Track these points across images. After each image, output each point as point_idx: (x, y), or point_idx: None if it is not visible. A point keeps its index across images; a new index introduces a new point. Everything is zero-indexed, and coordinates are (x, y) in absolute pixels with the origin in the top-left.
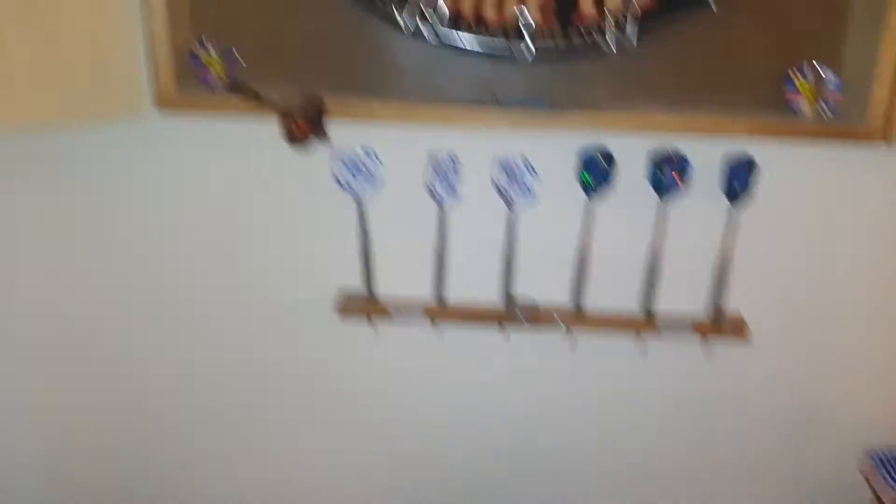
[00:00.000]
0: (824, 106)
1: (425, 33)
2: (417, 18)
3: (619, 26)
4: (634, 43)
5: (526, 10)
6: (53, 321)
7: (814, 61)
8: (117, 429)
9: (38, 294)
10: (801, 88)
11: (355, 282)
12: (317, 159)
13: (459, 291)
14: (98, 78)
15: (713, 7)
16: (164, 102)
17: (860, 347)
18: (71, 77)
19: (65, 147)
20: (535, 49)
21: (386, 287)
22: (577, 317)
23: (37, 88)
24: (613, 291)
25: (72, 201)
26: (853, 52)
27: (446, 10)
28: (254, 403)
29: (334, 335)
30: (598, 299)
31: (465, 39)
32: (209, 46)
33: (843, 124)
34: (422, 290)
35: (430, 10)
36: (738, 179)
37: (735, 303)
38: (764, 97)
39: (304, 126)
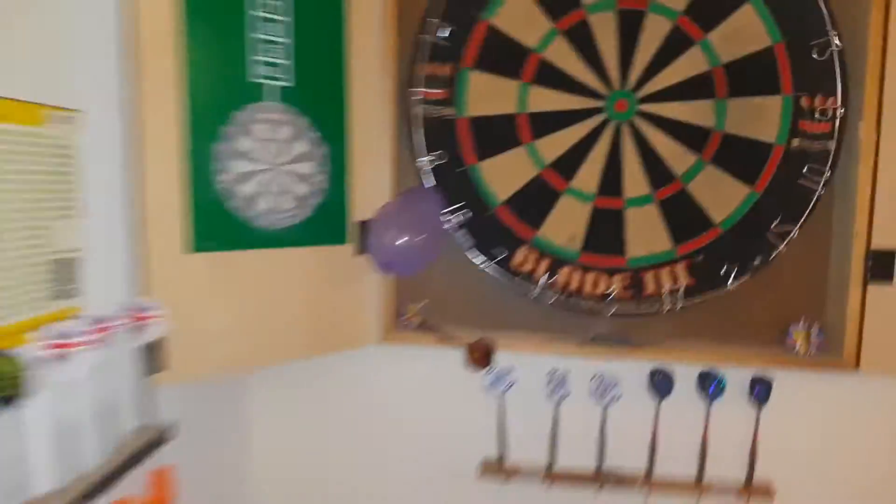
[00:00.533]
0: (813, 347)
1: (546, 299)
2: (539, 289)
3: (672, 295)
4: (681, 305)
5: (613, 288)
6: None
7: (803, 318)
8: None
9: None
10: (796, 336)
11: (492, 452)
12: (477, 374)
13: (565, 461)
14: (352, 328)
15: (731, 288)
16: (385, 338)
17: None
18: (337, 330)
19: (320, 365)
20: (617, 309)
21: (515, 456)
22: (649, 482)
23: (317, 337)
24: (675, 464)
25: (323, 400)
26: (831, 312)
27: (559, 286)
28: None
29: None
30: (664, 468)
31: (572, 303)
32: (408, 307)
33: (827, 358)
34: (540, 458)
35: (550, 284)
36: (760, 390)
37: (763, 471)
38: (772, 339)
39: (481, 357)
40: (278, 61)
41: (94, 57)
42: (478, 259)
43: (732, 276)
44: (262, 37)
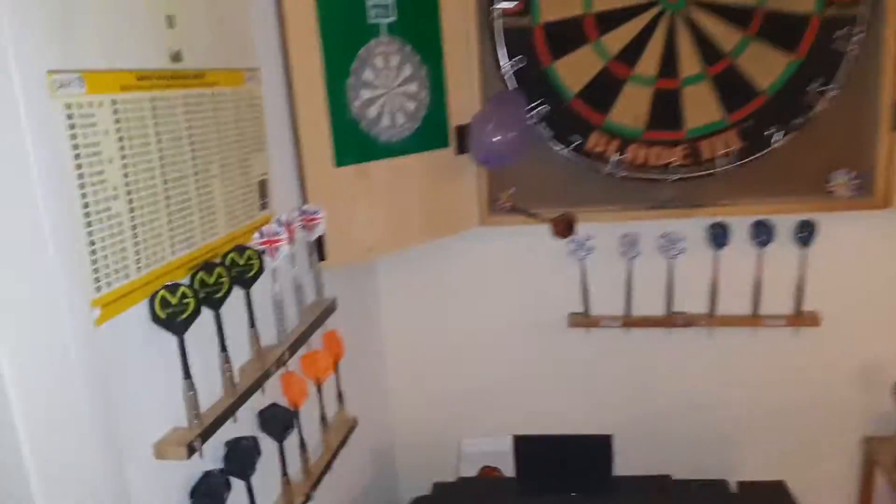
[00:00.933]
0: (851, 191)
1: (617, 173)
2: (611, 166)
3: (726, 157)
4: (734, 165)
5: (674, 158)
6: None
7: (842, 168)
8: None
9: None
10: (837, 183)
11: (578, 307)
12: (561, 243)
13: (640, 310)
14: (457, 216)
15: (777, 146)
16: (484, 221)
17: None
18: (446, 218)
19: (433, 247)
20: (679, 176)
21: (596, 309)
22: (712, 318)
23: (431, 225)
24: (734, 303)
25: (437, 275)
26: (865, 159)
27: (628, 161)
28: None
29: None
30: (725, 308)
31: (640, 175)
32: (501, 194)
33: (861, 199)
34: (618, 310)
35: (620, 161)
36: (806, 234)
37: (810, 304)
38: (816, 188)
39: (564, 228)
40: (386, 2)
41: (260, 23)
42: (557, 147)
43: (779, 135)
44: None
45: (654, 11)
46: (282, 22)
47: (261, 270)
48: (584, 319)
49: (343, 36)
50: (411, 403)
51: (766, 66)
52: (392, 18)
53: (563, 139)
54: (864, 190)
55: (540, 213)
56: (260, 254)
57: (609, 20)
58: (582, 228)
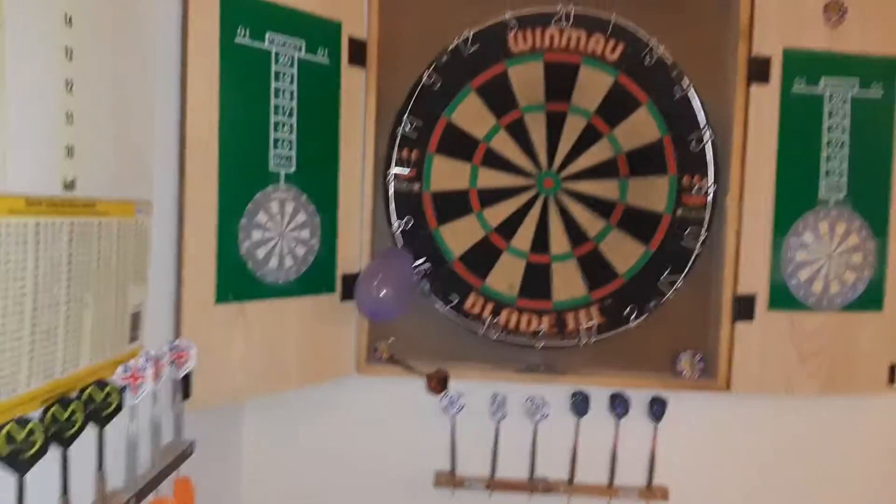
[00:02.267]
0: (697, 372)
1: (490, 335)
2: (485, 327)
3: (588, 331)
4: (594, 339)
5: (542, 326)
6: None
7: (689, 350)
8: None
9: (284, 469)
10: (684, 363)
11: (446, 464)
12: (434, 398)
13: (504, 472)
14: (335, 362)
15: (633, 325)
16: (360, 370)
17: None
18: (322, 361)
19: (306, 393)
20: (545, 343)
21: (462, 468)
22: (571, 487)
23: (306, 370)
24: (591, 472)
25: (307, 422)
26: (709, 344)
27: (501, 325)
28: None
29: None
30: (583, 476)
31: (510, 339)
32: (379, 343)
33: (707, 381)
34: (484, 469)
35: (494, 323)
36: (657, 409)
37: (660, 477)
38: (666, 366)
39: (437, 384)
40: (288, 153)
41: (162, 156)
42: (437, 304)
43: (634, 315)
44: (278, 136)
45: (531, 193)
46: (182, 159)
47: (119, 407)
48: (449, 478)
49: (242, 179)
50: None
51: (624, 253)
52: (293, 169)
53: (444, 297)
54: (708, 373)
55: (416, 367)
56: (121, 389)
57: (491, 196)
58: (455, 385)
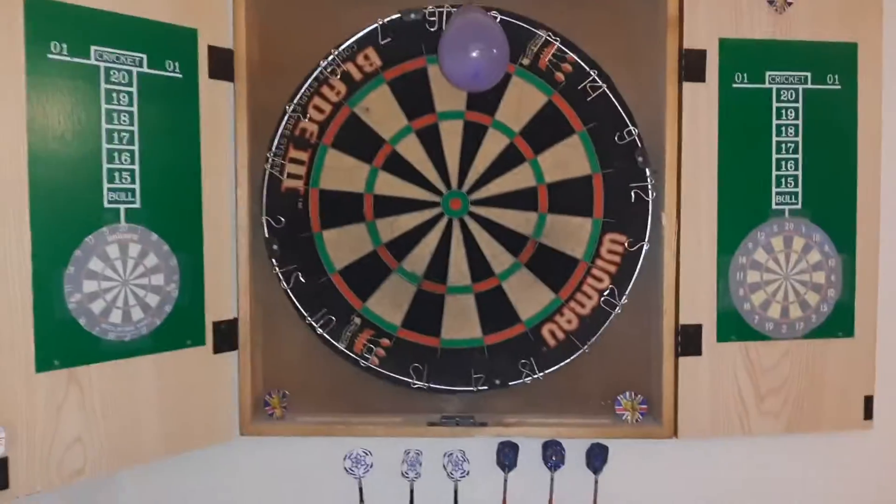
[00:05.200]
0: (639, 416)
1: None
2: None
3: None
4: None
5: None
6: None
7: (630, 391)
8: None
9: None
10: (625, 406)
11: None
12: (337, 456)
13: None
14: (212, 425)
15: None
16: (246, 430)
17: None
18: (193, 425)
19: (182, 459)
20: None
21: None
22: None
23: (173, 438)
24: None
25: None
26: (649, 385)
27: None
28: None
29: None
30: None
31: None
32: (272, 394)
33: (649, 427)
34: None
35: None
36: (597, 458)
37: None
38: (605, 411)
39: None
40: (129, 186)
41: None
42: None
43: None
44: (115, 167)
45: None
46: None
47: None
48: None
49: (66, 220)
50: None
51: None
52: (136, 205)
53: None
54: (652, 414)
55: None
56: None
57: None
58: (359, 442)
